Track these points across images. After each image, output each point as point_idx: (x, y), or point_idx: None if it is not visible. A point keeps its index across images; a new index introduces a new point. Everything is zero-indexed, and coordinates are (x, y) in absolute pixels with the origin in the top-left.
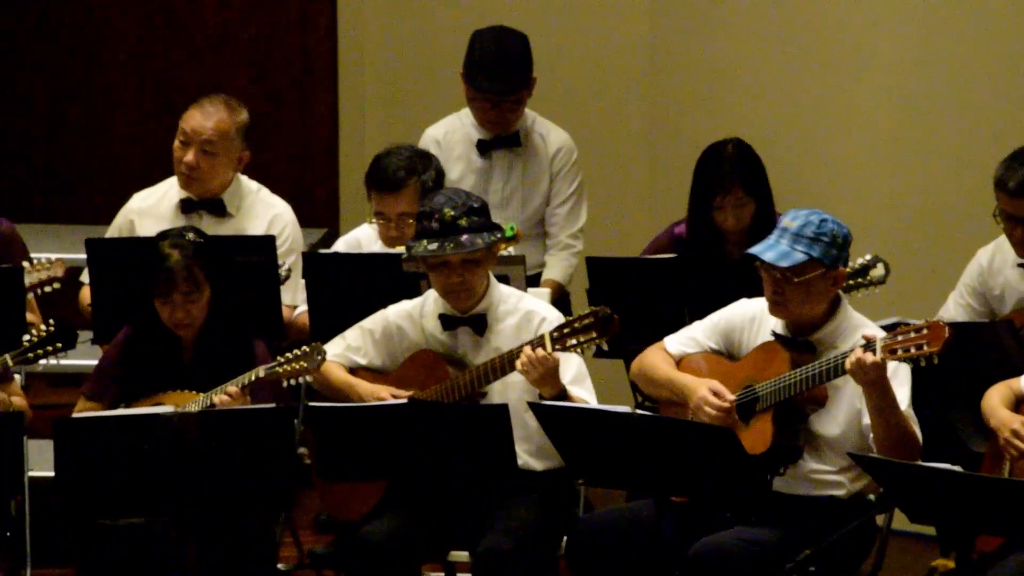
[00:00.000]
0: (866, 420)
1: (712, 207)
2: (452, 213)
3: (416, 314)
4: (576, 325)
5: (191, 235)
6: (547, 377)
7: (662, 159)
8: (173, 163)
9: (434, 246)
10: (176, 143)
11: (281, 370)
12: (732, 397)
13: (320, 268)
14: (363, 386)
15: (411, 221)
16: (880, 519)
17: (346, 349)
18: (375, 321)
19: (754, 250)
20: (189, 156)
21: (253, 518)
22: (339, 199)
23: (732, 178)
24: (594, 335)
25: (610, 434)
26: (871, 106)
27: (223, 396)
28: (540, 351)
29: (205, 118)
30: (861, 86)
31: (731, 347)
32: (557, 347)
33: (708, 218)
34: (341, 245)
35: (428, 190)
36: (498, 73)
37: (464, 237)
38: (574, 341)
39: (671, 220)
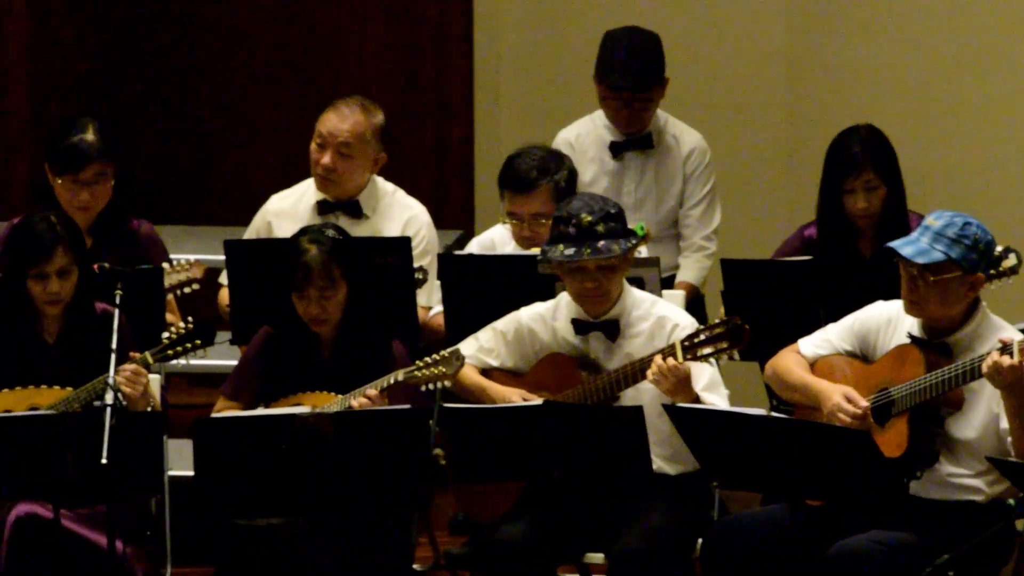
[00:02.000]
0: (1004, 424)
1: (843, 190)
2: (589, 219)
3: (549, 317)
4: (707, 334)
5: (331, 232)
6: (679, 387)
7: (798, 159)
8: (310, 165)
9: (571, 251)
10: (313, 145)
11: (420, 374)
12: (866, 404)
13: (455, 269)
14: (495, 389)
15: (544, 222)
16: (1020, 524)
17: (478, 351)
18: (508, 323)
19: (893, 244)
20: (326, 158)
21: (389, 519)
22: (474, 201)
23: (864, 160)
24: (725, 345)
25: (745, 437)
26: (1009, 105)
27: (362, 399)
28: (671, 360)
29: (341, 120)
30: (998, 85)
31: (866, 349)
32: (688, 356)
33: (838, 204)
34: (475, 246)
35: (561, 191)
36: (630, 71)
37: (601, 243)
38: (705, 351)
39: (807, 221)
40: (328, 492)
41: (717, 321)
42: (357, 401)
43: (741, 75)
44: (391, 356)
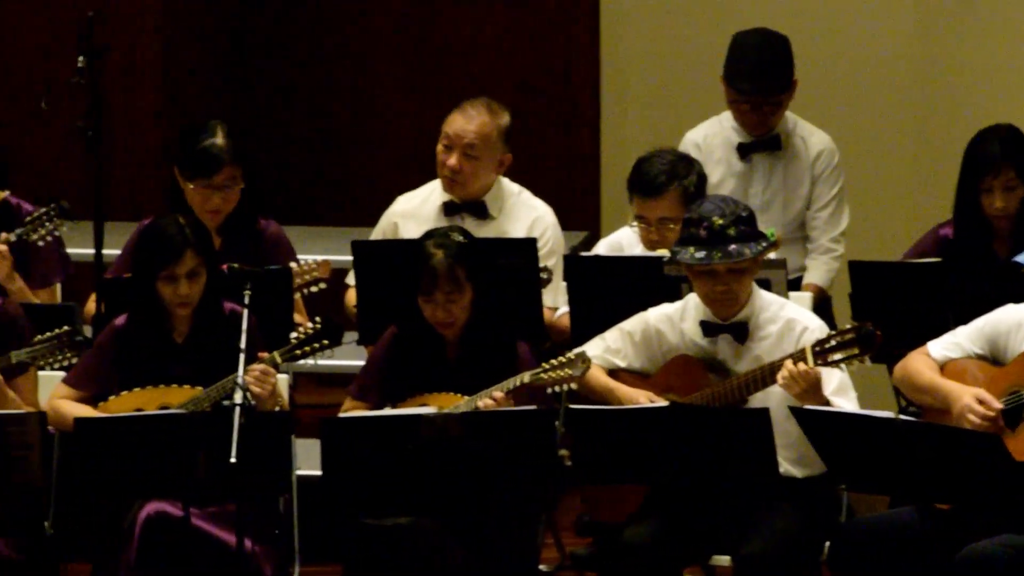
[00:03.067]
0: None
1: (980, 190)
2: (721, 222)
3: (676, 318)
4: (839, 340)
5: (457, 235)
6: (809, 392)
7: (926, 161)
8: (436, 166)
9: (701, 254)
10: (439, 147)
11: (546, 376)
12: (998, 405)
13: (581, 270)
14: (623, 390)
15: (672, 226)
16: None
17: (605, 351)
18: (635, 323)
19: (1020, 258)
20: (452, 160)
21: (515, 519)
22: (600, 202)
23: (1004, 159)
24: (856, 351)
25: (873, 439)
26: None
27: (488, 400)
28: (802, 365)
29: (468, 122)
30: None
31: (996, 353)
32: (819, 362)
33: (975, 204)
34: (603, 248)
35: (690, 195)
36: (759, 75)
37: (732, 247)
38: (836, 357)
39: (935, 222)
40: (454, 493)
41: (848, 327)
42: (483, 403)
43: (870, 76)
44: (516, 358)
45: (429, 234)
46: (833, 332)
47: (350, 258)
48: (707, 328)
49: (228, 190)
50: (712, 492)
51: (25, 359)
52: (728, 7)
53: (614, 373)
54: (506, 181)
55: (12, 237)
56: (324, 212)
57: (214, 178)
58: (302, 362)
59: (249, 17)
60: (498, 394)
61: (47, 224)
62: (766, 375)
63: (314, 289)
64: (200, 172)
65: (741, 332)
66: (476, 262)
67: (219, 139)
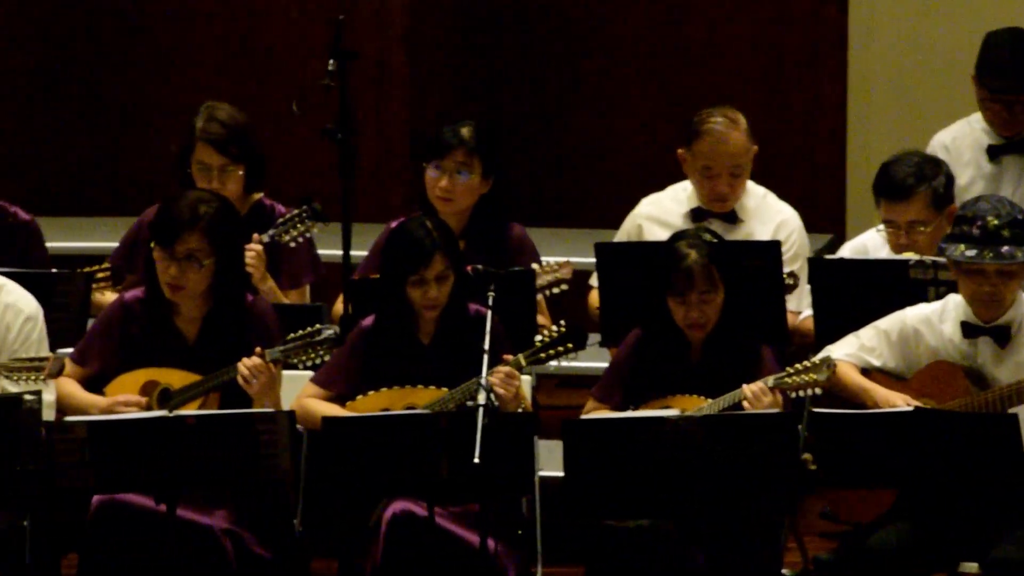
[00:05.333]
0: None
1: None
2: (996, 222)
3: (935, 319)
4: None
5: (707, 236)
6: None
7: None
8: (696, 186)
9: (972, 253)
10: (696, 174)
11: (790, 381)
12: None
13: (825, 273)
14: (879, 391)
15: (922, 228)
16: None
17: (860, 349)
18: (891, 322)
19: None
20: (721, 186)
21: (757, 523)
22: (846, 205)
23: None
24: None
25: None
26: None
27: (754, 388)
28: None
29: (725, 146)
30: None
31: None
32: None
33: None
34: (847, 251)
35: (939, 197)
36: (1012, 72)
37: (1004, 248)
38: None
39: None
40: (697, 495)
41: None
42: (750, 390)
43: None
44: (760, 361)
45: (680, 235)
46: None
47: (593, 260)
48: (967, 329)
49: (460, 178)
50: (961, 498)
51: (278, 357)
52: (976, 8)
53: (867, 372)
54: (752, 184)
55: (265, 238)
56: (568, 214)
57: (445, 160)
58: (545, 364)
59: (494, 22)
60: (764, 384)
61: (299, 226)
62: None
63: (557, 291)
64: (435, 154)
65: (1003, 335)
66: (726, 263)
67: (463, 128)
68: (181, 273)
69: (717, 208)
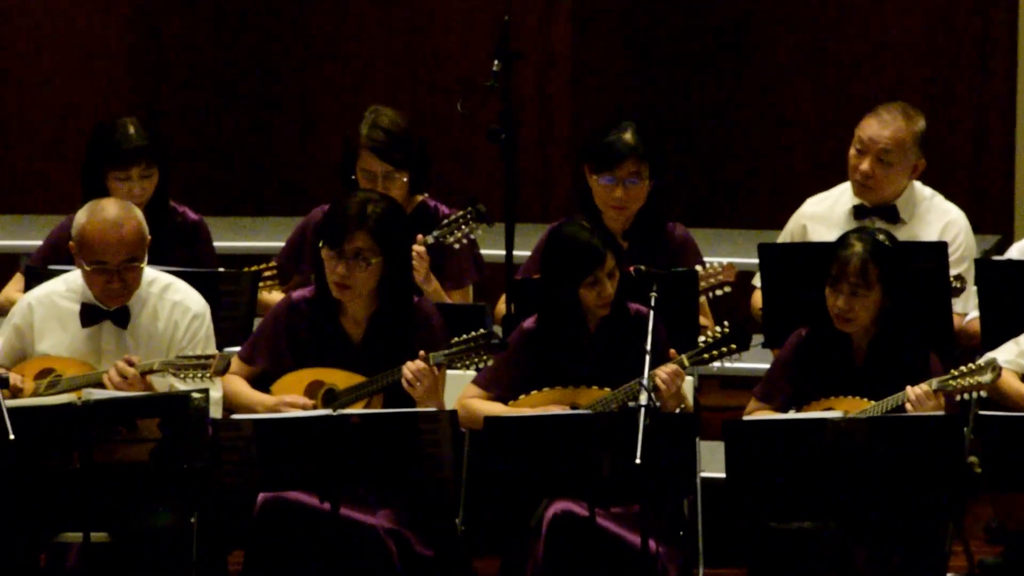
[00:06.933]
0: None
1: None
2: None
3: None
4: None
5: (881, 236)
6: None
7: None
8: (848, 170)
9: None
10: (852, 151)
11: (955, 384)
12: None
13: (993, 275)
14: None
15: None
16: None
17: (1020, 355)
18: None
19: None
20: (864, 165)
21: (922, 526)
22: (1014, 205)
23: None
24: None
25: None
26: None
27: (924, 387)
28: None
29: (882, 127)
30: None
31: None
32: None
33: None
34: (1015, 252)
35: None
36: None
37: None
38: None
39: None
40: (861, 497)
41: None
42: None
43: None
44: (926, 364)
45: (858, 228)
46: None
47: (756, 260)
48: None
49: (631, 185)
50: None
51: (442, 361)
52: None
53: None
54: (918, 185)
55: (429, 239)
56: (731, 214)
57: (617, 170)
58: (708, 365)
59: (659, 22)
60: (928, 387)
61: (463, 227)
62: None
63: (719, 292)
64: (604, 165)
65: None
66: (892, 266)
67: (627, 135)
68: (349, 272)
69: (856, 191)
